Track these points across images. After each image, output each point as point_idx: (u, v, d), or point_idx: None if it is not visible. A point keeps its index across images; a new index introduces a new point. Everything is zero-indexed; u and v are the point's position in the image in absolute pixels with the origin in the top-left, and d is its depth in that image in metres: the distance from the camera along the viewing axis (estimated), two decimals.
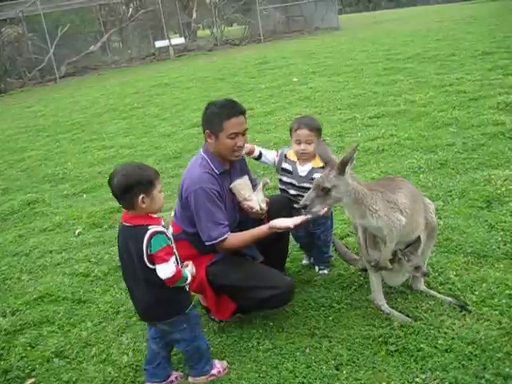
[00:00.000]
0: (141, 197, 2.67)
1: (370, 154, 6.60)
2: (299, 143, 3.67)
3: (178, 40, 27.87)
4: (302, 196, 3.57)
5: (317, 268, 4.07)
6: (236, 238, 3.32)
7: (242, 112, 3.36)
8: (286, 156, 3.80)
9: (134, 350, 3.45)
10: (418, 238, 3.29)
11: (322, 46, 20.06)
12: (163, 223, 2.84)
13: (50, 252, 5.22)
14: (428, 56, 12.99)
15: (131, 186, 2.67)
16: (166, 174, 7.21)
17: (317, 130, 3.70)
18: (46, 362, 3.48)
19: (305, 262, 4.23)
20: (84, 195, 7.04)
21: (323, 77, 12.81)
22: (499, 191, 4.78)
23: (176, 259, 2.81)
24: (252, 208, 3.48)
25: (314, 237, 3.94)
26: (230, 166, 3.49)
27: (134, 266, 2.77)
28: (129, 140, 9.77)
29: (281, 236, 3.66)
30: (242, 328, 3.48)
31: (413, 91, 9.59)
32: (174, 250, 2.82)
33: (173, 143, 8.92)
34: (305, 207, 3.04)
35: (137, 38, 30.06)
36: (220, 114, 3.28)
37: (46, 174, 8.32)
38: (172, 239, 2.83)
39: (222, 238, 3.25)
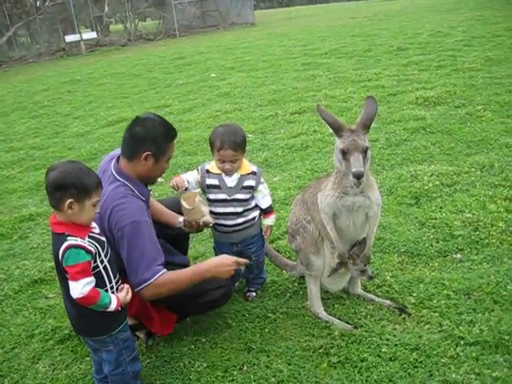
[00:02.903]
0: (69, 201, 2.35)
1: (295, 151, 6.46)
2: (223, 162, 3.25)
3: (89, 34, 26.91)
4: (235, 213, 3.33)
5: (246, 289, 3.70)
6: (173, 277, 2.82)
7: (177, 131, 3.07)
8: (208, 171, 3.33)
9: (52, 379, 3.07)
10: (363, 239, 3.10)
11: (238, 41, 19.94)
12: (96, 231, 2.51)
13: None
14: (345, 51, 13.14)
15: (65, 186, 2.35)
16: None
17: (242, 147, 3.23)
18: None
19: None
20: None
21: (242, 72, 12.66)
22: (426, 187, 4.76)
23: (102, 280, 2.48)
24: (208, 224, 3.23)
25: (244, 257, 3.44)
26: None
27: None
28: (39, 141, 9.12)
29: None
30: (172, 346, 3.19)
31: (332, 86, 9.62)
32: (99, 269, 2.46)
33: (87, 143, 8.41)
34: (362, 175, 2.71)
35: (45, 33, 28.59)
36: (166, 137, 2.92)
37: None
38: (99, 254, 2.47)
39: (158, 275, 2.77)
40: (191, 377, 2.92)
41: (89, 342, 2.68)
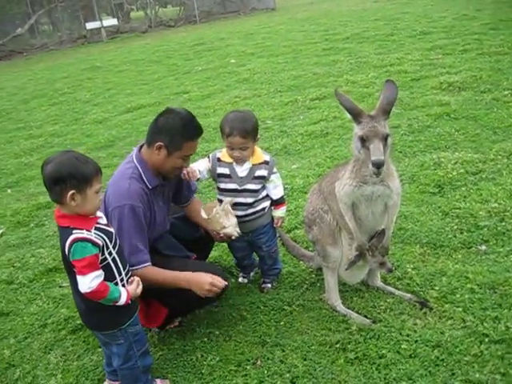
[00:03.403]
0: (71, 193, 2.26)
1: (314, 137, 6.32)
2: (232, 149, 3.13)
3: (110, 21, 26.85)
4: (245, 204, 3.22)
5: (261, 280, 3.61)
6: (155, 272, 2.84)
7: (202, 133, 3.00)
8: (219, 159, 3.24)
9: (63, 370, 3.03)
10: (383, 230, 2.97)
11: (259, 26, 19.69)
12: (103, 221, 2.43)
13: None
14: (366, 36, 12.85)
15: (62, 178, 2.26)
16: (99, 164, 6.66)
17: (252, 135, 3.12)
18: None
19: (241, 279, 3.67)
20: (8, 190, 6.43)
21: (262, 58, 12.48)
22: (450, 175, 4.59)
23: (111, 272, 2.42)
24: (230, 236, 3.14)
25: (255, 247, 3.48)
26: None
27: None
28: (58, 128, 9.15)
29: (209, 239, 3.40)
30: (185, 338, 3.12)
31: (354, 72, 9.40)
32: (108, 261, 2.40)
33: (105, 130, 8.39)
34: (382, 164, 2.59)
35: (67, 20, 28.71)
36: (183, 133, 2.87)
37: None
38: (107, 246, 2.40)
39: (142, 266, 2.80)
40: (203, 371, 2.85)
41: (99, 335, 2.62)
